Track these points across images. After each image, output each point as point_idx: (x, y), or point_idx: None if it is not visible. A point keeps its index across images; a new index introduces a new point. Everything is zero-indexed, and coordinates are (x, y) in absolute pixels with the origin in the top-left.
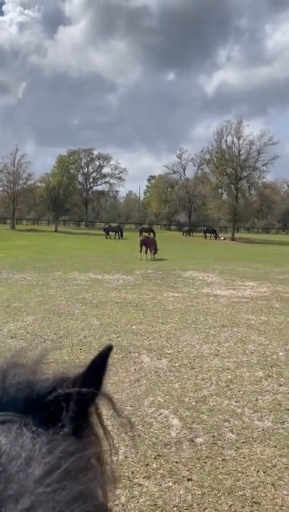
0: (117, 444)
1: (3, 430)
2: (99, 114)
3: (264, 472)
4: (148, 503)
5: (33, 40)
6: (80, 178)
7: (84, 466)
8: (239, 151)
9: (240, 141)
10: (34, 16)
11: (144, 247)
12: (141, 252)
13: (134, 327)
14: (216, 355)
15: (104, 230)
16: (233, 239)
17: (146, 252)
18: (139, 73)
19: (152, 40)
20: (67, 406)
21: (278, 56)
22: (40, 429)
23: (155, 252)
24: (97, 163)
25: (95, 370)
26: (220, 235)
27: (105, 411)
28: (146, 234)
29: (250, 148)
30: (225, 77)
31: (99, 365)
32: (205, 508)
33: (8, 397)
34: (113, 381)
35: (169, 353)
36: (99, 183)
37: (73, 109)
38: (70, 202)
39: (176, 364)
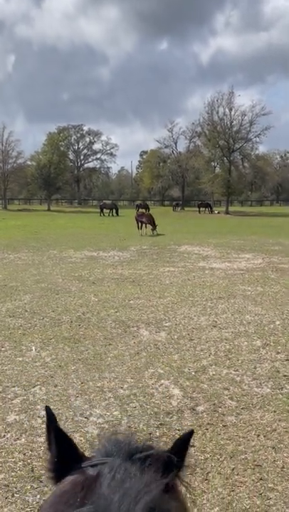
0: (119, 415)
1: (110, 469)
2: (90, 87)
3: (264, 436)
4: None
5: (19, 8)
6: (71, 155)
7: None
8: (231, 122)
9: (232, 113)
10: None
11: (140, 223)
12: (139, 228)
13: (131, 302)
14: (214, 327)
15: (99, 207)
16: (227, 212)
17: (140, 228)
18: (132, 43)
19: (146, 5)
20: (158, 463)
21: (276, 22)
22: (138, 474)
23: (154, 228)
24: (87, 139)
25: (180, 447)
26: (214, 209)
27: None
28: (143, 210)
29: (242, 120)
30: (221, 44)
31: (182, 443)
32: (208, 472)
33: (114, 449)
34: (113, 355)
35: (167, 326)
36: (90, 159)
37: (63, 83)
38: (62, 180)
39: (175, 336)
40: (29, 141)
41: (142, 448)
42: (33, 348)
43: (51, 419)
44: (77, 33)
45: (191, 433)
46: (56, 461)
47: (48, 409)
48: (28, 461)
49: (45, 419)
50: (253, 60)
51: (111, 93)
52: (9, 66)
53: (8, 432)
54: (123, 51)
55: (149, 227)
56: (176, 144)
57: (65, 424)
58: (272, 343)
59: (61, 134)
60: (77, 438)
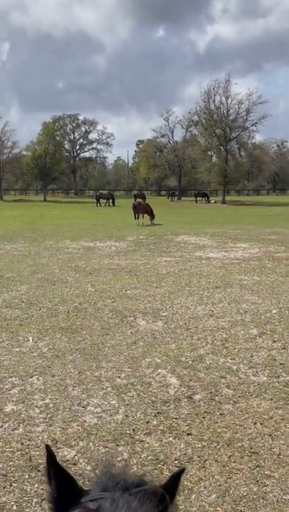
0: (117, 405)
1: (110, 503)
2: (86, 76)
3: (261, 424)
4: (150, 457)
5: None
6: (67, 145)
7: None
8: (228, 111)
9: (229, 101)
10: None
11: (136, 213)
12: (136, 218)
13: (128, 292)
14: (211, 316)
15: (95, 198)
16: (223, 202)
17: (137, 218)
18: (128, 30)
19: None
20: (153, 498)
21: (274, 8)
22: (136, 507)
23: (153, 218)
24: (83, 128)
25: (172, 482)
26: (210, 199)
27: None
28: (140, 200)
29: (239, 108)
30: (219, 31)
31: (174, 479)
32: (205, 460)
33: (110, 484)
34: (110, 344)
35: (164, 316)
36: (86, 149)
37: (59, 72)
38: (58, 170)
39: (172, 326)
40: (24, 130)
41: (137, 483)
42: (30, 338)
43: (51, 457)
44: (72, 21)
45: (182, 470)
46: (56, 496)
47: (48, 448)
48: (26, 450)
49: (42, 409)
50: (251, 47)
51: (107, 81)
52: (4, 55)
53: (6, 422)
54: (119, 39)
55: (146, 217)
56: (172, 133)
57: (62, 414)
58: (268, 332)
59: (56, 124)
60: (74, 427)
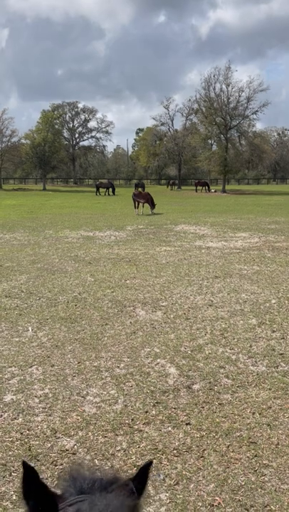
0: (116, 394)
1: (90, 503)
2: (85, 63)
3: (260, 414)
4: (149, 447)
5: None
6: (66, 133)
7: None
8: (228, 98)
9: (229, 89)
10: None
11: (136, 203)
12: (136, 207)
13: (128, 282)
14: (210, 306)
15: (95, 187)
16: (224, 191)
17: (137, 207)
18: (129, 15)
19: None
20: (126, 491)
21: None
22: (113, 502)
23: (153, 207)
24: (82, 117)
25: (140, 475)
26: (210, 188)
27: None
28: (140, 189)
29: (240, 96)
30: (221, 17)
31: (144, 471)
32: (204, 450)
33: (85, 485)
34: (110, 334)
35: (163, 306)
36: (85, 137)
37: (58, 59)
38: (57, 159)
39: (171, 316)
40: (23, 119)
41: (111, 480)
42: (30, 328)
43: (33, 474)
44: (72, 5)
45: (150, 463)
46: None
47: (25, 464)
48: (25, 440)
49: (42, 398)
50: (253, 33)
51: (107, 68)
52: (3, 41)
53: (5, 411)
54: (119, 24)
55: (146, 206)
56: (172, 121)
57: (62, 404)
58: (267, 322)
59: (55, 112)
60: (74, 417)
